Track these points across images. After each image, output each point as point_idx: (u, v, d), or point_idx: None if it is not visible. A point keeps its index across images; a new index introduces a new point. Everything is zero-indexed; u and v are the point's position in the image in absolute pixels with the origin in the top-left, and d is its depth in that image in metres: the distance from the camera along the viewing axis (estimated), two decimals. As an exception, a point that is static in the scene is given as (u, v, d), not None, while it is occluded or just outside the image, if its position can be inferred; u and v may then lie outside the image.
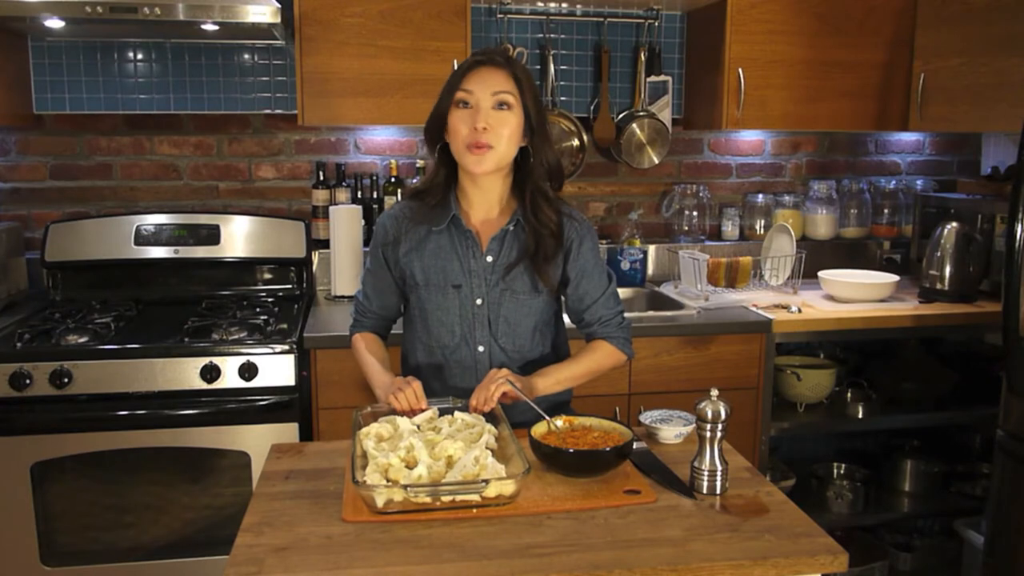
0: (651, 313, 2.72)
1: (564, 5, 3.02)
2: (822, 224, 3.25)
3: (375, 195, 3.00)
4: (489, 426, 1.56)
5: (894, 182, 3.40)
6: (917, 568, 2.99)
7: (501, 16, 2.98)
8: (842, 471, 3.12)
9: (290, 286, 2.93)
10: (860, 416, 2.86)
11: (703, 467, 1.45)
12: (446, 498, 1.35)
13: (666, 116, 3.08)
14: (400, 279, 1.84)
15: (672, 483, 1.48)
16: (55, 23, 2.45)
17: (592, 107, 3.15)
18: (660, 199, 3.30)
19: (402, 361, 1.92)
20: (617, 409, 2.50)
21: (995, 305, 2.62)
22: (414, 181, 2.97)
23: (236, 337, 2.35)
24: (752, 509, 1.40)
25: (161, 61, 2.89)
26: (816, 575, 1.26)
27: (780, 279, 2.96)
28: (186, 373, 2.29)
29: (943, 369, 2.96)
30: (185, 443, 2.30)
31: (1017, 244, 2.16)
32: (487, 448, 1.47)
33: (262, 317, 2.52)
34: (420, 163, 3.00)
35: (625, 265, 3.09)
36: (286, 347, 2.33)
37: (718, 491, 1.45)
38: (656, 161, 3.11)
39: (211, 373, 2.28)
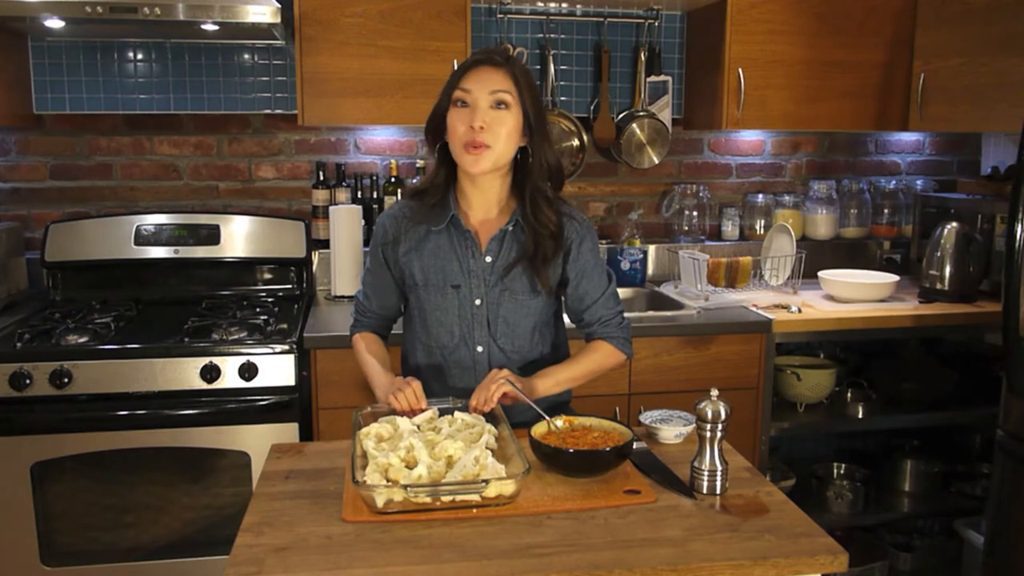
0: (651, 313, 2.72)
1: (564, 5, 3.02)
2: (822, 224, 3.25)
3: (375, 195, 3.00)
4: (489, 426, 1.56)
5: (894, 182, 3.40)
6: (917, 568, 2.99)
7: (501, 16, 2.98)
8: (842, 471, 3.12)
9: (290, 286, 2.93)
10: (860, 416, 2.86)
11: (703, 467, 1.45)
12: (446, 498, 1.35)
13: (666, 116, 3.08)
14: (400, 279, 1.84)
15: (672, 483, 1.48)
16: (55, 23, 2.45)
17: (592, 107, 3.15)
18: (660, 199, 3.30)
19: (402, 361, 1.92)
20: (617, 409, 2.50)
21: (995, 305, 2.62)
22: (414, 181, 2.97)
23: (236, 337, 2.35)
24: (752, 509, 1.40)
25: (161, 61, 2.89)
26: (816, 575, 1.26)
27: (780, 279, 2.96)
28: (186, 373, 2.29)
29: (943, 369, 2.96)
30: (185, 443, 2.30)
31: (1017, 244, 2.16)
32: (487, 448, 1.47)
33: (262, 317, 2.52)
34: (420, 163, 3.00)
35: (625, 265, 3.09)
36: (286, 347, 2.33)
37: (718, 491, 1.45)
38: (656, 161, 3.11)
39: (211, 373, 2.28)
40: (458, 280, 1.76)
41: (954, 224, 2.82)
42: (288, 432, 2.33)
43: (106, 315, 2.54)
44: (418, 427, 1.56)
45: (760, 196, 3.29)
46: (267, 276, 2.94)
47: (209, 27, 2.50)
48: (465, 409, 1.63)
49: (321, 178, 2.96)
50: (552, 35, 3.07)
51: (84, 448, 2.26)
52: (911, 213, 3.24)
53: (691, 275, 2.86)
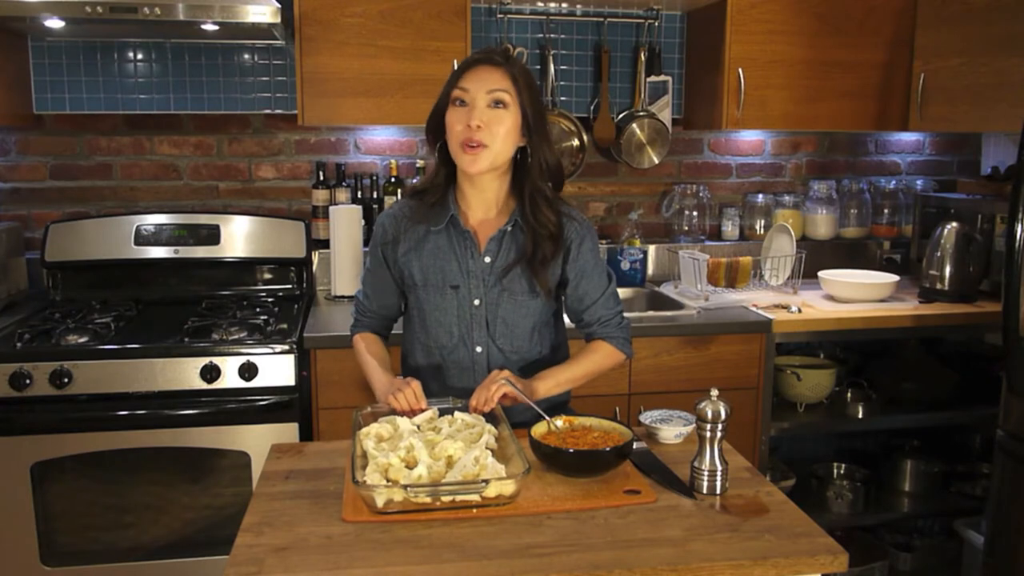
0: (651, 313, 2.72)
1: (564, 5, 3.02)
2: (822, 224, 3.25)
3: (375, 195, 3.00)
4: (489, 426, 1.56)
5: (894, 182, 3.40)
6: (917, 568, 2.99)
7: (501, 16, 2.98)
8: (842, 471, 3.12)
9: (290, 286, 2.93)
10: (860, 416, 2.86)
11: (703, 467, 1.45)
12: (446, 498, 1.35)
13: (666, 116, 3.08)
14: (399, 279, 1.83)
15: (672, 483, 1.48)
16: (55, 23, 2.45)
17: (592, 107, 3.15)
18: (660, 199, 3.30)
19: (402, 361, 1.92)
20: (617, 409, 2.50)
21: (995, 305, 2.62)
22: (414, 181, 2.97)
23: (236, 337, 2.35)
24: (752, 509, 1.40)
25: (161, 61, 2.89)
26: (816, 575, 1.26)
27: (780, 279, 2.96)
28: (186, 373, 2.29)
29: (943, 369, 2.96)
30: (185, 443, 2.30)
31: (1017, 244, 2.16)
32: (487, 448, 1.47)
33: (262, 317, 2.52)
34: (420, 163, 3.00)
35: (625, 265, 3.09)
36: (286, 347, 2.33)
37: (718, 491, 1.45)
38: (656, 161, 3.11)
39: (211, 373, 2.28)
40: (457, 280, 1.76)
41: (954, 224, 2.82)
42: (288, 432, 2.33)
43: (106, 315, 2.54)
44: (418, 427, 1.56)
45: (760, 196, 3.29)
46: (267, 276, 2.94)
47: (209, 27, 2.50)
48: (465, 409, 1.63)
49: (321, 178, 2.96)
50: (552, 35, 3.07)
51: (84, 448, 2.26)
52: (911, 213, 3.24)
53: (691, 275, 2.86)
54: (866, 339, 2.89)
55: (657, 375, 2.56)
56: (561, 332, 1.92)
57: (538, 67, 3.05)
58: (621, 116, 3.14)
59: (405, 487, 1.34)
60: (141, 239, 2.81)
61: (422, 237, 1.78)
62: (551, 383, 1.74)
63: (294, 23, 2.57)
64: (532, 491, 1.43)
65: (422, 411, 1.62)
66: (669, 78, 3.09)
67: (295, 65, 2.60)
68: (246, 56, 2.93)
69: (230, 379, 2.30)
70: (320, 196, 2.97)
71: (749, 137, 3.32)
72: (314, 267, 2.98)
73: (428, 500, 1.35)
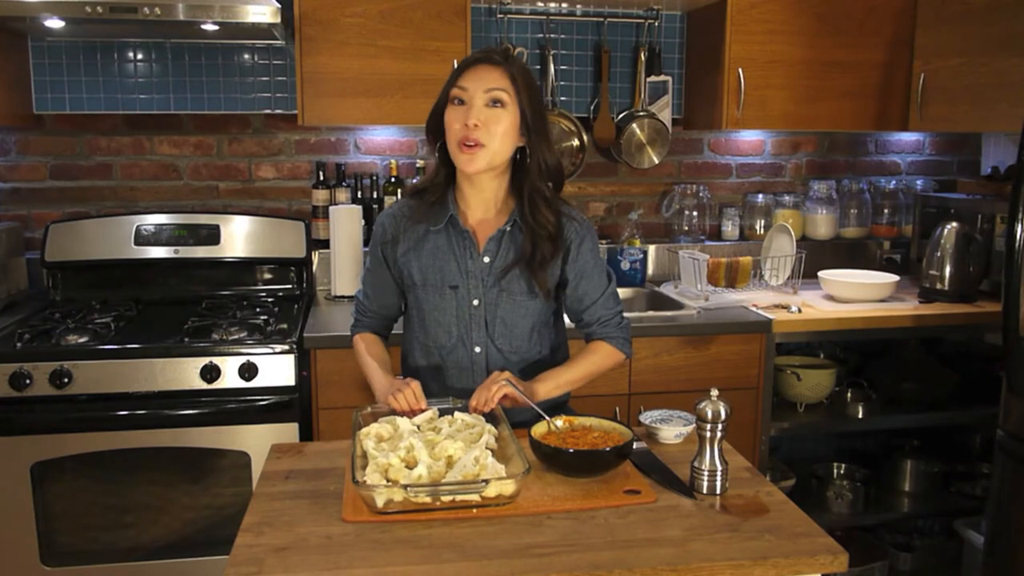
0: (651, 313, 2.72)
1: (564, 5, 3.02)
2: (822, 224, 3.25)
3: (375, 195, 3.00)
4: (489, 426, 1.56)
5: (894, 182, 3.40)
6: (917, 568, 2.99)
7: (501, 16, 2.98)
8: (842, 471, 3.12)
9: (290, 286, 2.93)
10: (860, 416, 2.86)
11: (703, 467, 1.45)
12: (446, 498, 1.35)
13: (666, 116, 3.08)
14: (399, 278, 1.83)
15: (672, 483, 1.48)
16: (55, 23, 2.45)
17: (592, 107, 3.15)
18: (660, 199, 3.30)
19: (402, 361, 1.92)
20: (617, 409, 2.50)
21: (995, 305, 2.62)
22: (414, 181, 2.97)
23: (236, 337, 2.35)
24: (752, 509, 1.40)
25: (161, 61, 2.89)
26: (816, 575, 1.26)
27: (780, 279, 2.96)
28: (186, 373, 2.29)
29: (943, 369, 2.96)
30: (185, 443, 2.30)
31: (1017, 244, 2.16)
32: (487, 448, 1.47)
33: (262, 317, 2.52)
34: (420, 163, 3.00)
35: (625, 265, 3.09)
36: (286, 347, 2.33)
37: (718, 491, 1.45)
38: (656, 161, 3.11)
39: (211, 373, 2.28)
40: (456, 280, 1.76)
41: (954, 224, 2.82)
42: (288, 432, 2.33)
43: (106, 315, 2.54)
44: (418, 427, 1.56)
45: (760, 196, 3.29)
46: (267, 276, 2.94)
47: (209, 27, 2.50)
48: (465, 410, 1.63)
49: (321, 178, 2.96)
50: (552, 35, 3.07)
51: (84, 448, 2.26)
52: (911, 213, 3.24)
53: (691, 275, 2.86)
54: (866, 339, 2.89)
55: (657, 375, 2.56)
56: (561, 332, 1.92)
57: (538, 67, 3.05)
58: (621, 116, 3.14)
59: (405, 487, 1.34)
60: (141, 239, 2.81)
61: (421, 237, 1.78)
62: (551, 385, 1.74)
63: (294, 23, 2.57)
64: (532, 491, 1.43)
65: (422, 411, 1.62)
66: (669, 78, 3.09)
67: (295, 65, 2.60)
68: (246, 56, 2.93)
69: (230, 379, 2.30)
70: (320, 196, 2.97)
71: (749, 137, 3.32)
72: (314, 267, 2.98)
73: (428, 500, 1.35)
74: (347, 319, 1.98)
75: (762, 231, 3.24)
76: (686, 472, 1.49)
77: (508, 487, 1.37)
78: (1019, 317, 2.18)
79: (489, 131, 1.64)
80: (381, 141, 3.05)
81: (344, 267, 2.79)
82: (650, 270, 3.21)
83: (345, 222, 2.75)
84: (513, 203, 1.77)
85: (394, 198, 2.96)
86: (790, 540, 1.30)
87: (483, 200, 1.77)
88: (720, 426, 1.44)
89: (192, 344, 2.31)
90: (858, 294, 2.81)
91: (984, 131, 3.28)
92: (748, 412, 2.63)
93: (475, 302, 1.76)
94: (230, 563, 1.22)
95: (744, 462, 1.60)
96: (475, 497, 1.36)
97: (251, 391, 2.32)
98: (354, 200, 2.97)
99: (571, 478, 1.48)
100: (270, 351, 2.32)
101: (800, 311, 2.68)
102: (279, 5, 2.39)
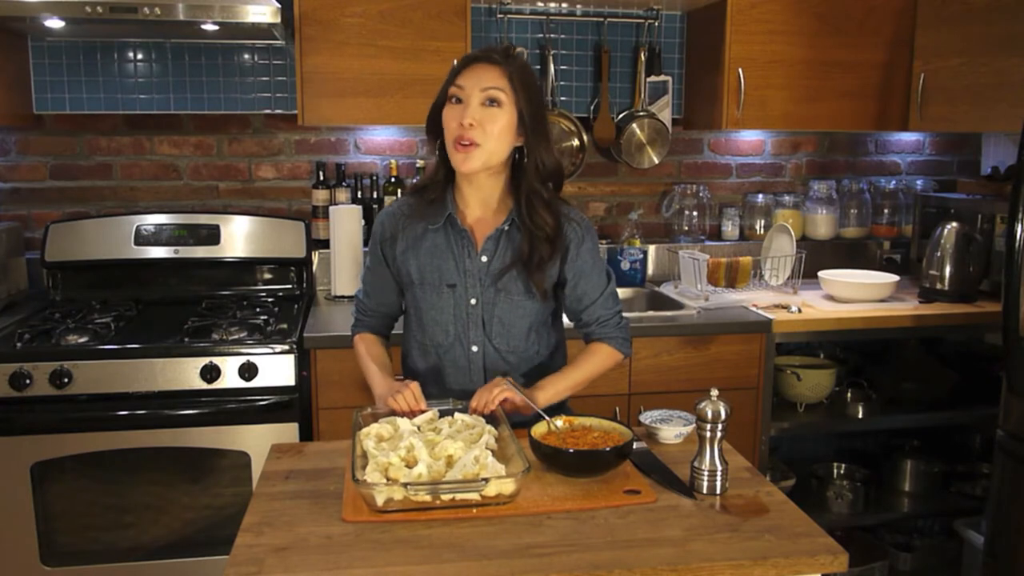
0: (651, 313, 2.72)
1: (564, 5, 3.02)
2: (822, 224, 3.25)
3: (375, 195, 3.00)
4: (489, 427, 1.56)
5: (894, 182, 3.40)
6: (917, 568, 2.99)
7: (501, 16, 2.98)
8: (842, 471, 3.12)
9: (290, 286, 2.93)
10: (860, 416, 2.86)
11: (703, 467, 1.45)
12: (446, 496, 1.35)
13: (666, 116, 3.08)
14: (397, 276, 1.83)
15: (672, 483, 1.48)
16: (55, 23, 2.45)
17: (592, 107, 3.15)
18: (660, 199, 3.30)
19: (402, 361, 1.91)
20: (617, 409, 2.49)
21: (995, 305, 2.62)
22: (414, 181, 2.97)
23: (236, 337, 2.35)
24: (752, 509, 1.40)
25: (161, 61, 2.89)
26: (816, 575, 1.26)
27: (780, 279, 2.96)
28: (186, 373, 2.29)
29: (943, 369, 2.96)
30: (185, 443, 2.30)
31: (1017, 244, 2.16)
32: (487, 448, 1.47)
33: (262, 317, 2.52)
34: (420, 163, 3.00)
35: (625, 265, 3.09)
36: (286, 347, 2.33)
37: (718, 491, 1.45)
38: (656, 161, 3.11)
39: (211, 373, 2.28)
40: (454, 279, 1.76)
41: (954, 224, 2.82)
42: (288, 432, 2.33)
43: (106, 315, 2.54)
44: (418, 428, 1.56)
45: (760, 196, 3.29)
46: (267, 276, 2.94)
47: (209, 27, 2.50)
48: (465, 411, 1.63)
49: (321, 178, 2.96)
50: (552, 35, 3.07)
51: (84, 448, 2.26)
52: (911, 213, 3.24)
53: (691, 275, 2.86)
54: (866, 339, 2.89)
55: (657, 375, 2.56)
56: (560, 332, 1.91)
57: (538, 67, 3.04)
58: (621, 116, 3.14)
59: (405, 485, 1.34)
60: (141, 239, 2.81)
61: (420, 235, 1.78)
62: (551, 392, 1.73)
63: (294, 23, 2.57)
64: (532, 491, 1.43)
65: (421, 412, 1.62)
66: (669, 78, 3.09)
67: (295, 65, 2.60)
68: (246, 56, 2.93)
69: (230, 379, 2.30)
70: (320, 196, 2.97)
71: (749, 137, 3.32)
72: (314, 267, 2.98)
73: (428, 498, 1.35)
74: (347, 319, 1.98)
75: (762, 231, 3.24)
76: (686, 472, 1.49)
77: (508, 486, 1.37)
78: (1019, 317, 2.18)
79: (485, 131, 1.64)
80: (381, 141, 3.05)
81: (344, 267, 2.79)
82: (650, 270, 3.21)
83: (345, 222, 2.75)
84: (512, 202, 1.77)
85: (394, 198, 2.96)
86: (790, 540, 1.30)
87: (481, 199, 1.76)
88: (720, 426, 1.44)
89: (192, 344, 2.31)
90: (858, 294, 2.81)
91: (984, 131, 3.28)
92: (748, 412, 2.63)
93: (472, 301, 1.76)
94: (230, 563, 1.22)
95: (744, 462, 1.60)
96: (475, 496, 1.36)
97: (251, 391, 2.32)
98: (354, 200, 2.97)
99: (571, 478, 1.48)
100: (270, 351, 2.32)
101: (800, 311, 2.68)
102: (279, 5, 2.39)
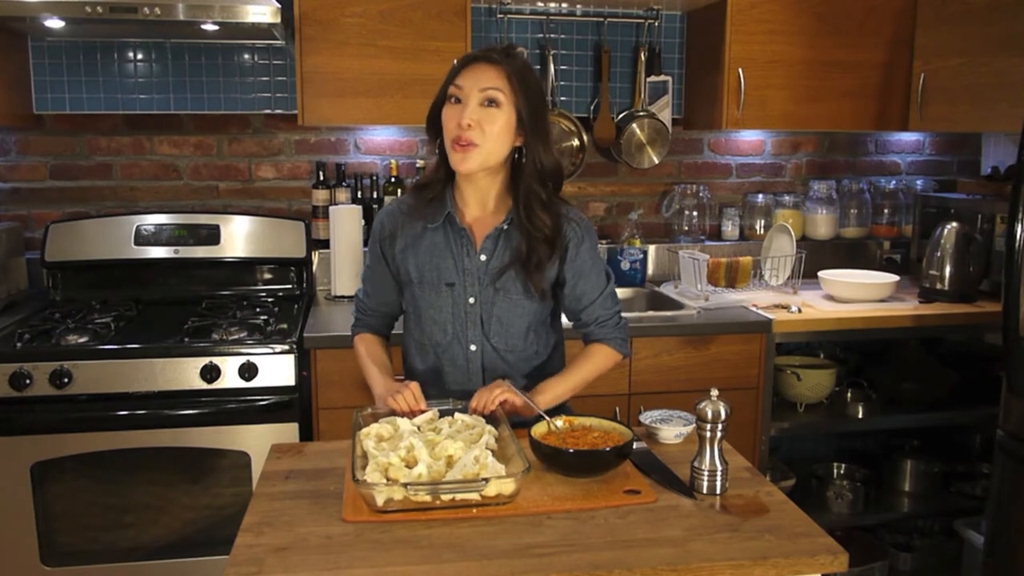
0: (651, 313, 2.72)
1: (564, 5, 3.02)
2: (822, 224, 3.25)
3: (375, 195, 3.00)
4: (489, 427, 1.56)
5: (894, 182, 3.41)
6: (917, 568, 2.99)
7: (501, 16, 2.98)
8: (842, 471, 3.12)
9: (290, 286, 2.93)
10: (860, 416, 2.86)
11: (703, 467, 1.45)
12: (446, 496, 1.35)
13: (666, 116, 3.08)
14: (396, 275, 1.83)
15: (672, 483, 1.48)
16: (55, 23, 2.45)
17: (592, 107, 3.15)
18: (660, 199, 3.30)
19: (403, 361, 1.91)
20: (617, 409, 2.50)
21: (995, 305, 2.62)
22: (414, 180, 2.97)
23: (236, 337, 2.35)
24: (752, 509, 1.40)
25: (161, 61, 2.89)
26: (816, 575, 1.26)
27: (780, 279, 2.96)
28: (186, 373, 2.29)
29: (943, 369, 2.96)
30: (185, 443, 2.30)
31: (1017, 244, 2.16)
32: (487, 448, 1.47)
33: (262, 317, 2.52)
34: (420, 163, 3.00)
35: (625, 265, 3.09)
36: (286, 347, 2.33)
37: (718, 491, 1.45)
38: (656, 161, 3.11)
39: (211, 373, 2.28)
40: (452, 278, 1.76)
41: (954, 224, 2.82)
42: (288, 432, 2.33)
43: (106, 315, 2.54)
44: (418, 428, 1.56)
45: (760, 196, 3.29)
46: (267, 276, 2.94)
47: (209, 27, 2.50)
48: (465, 411, 1.63)
49: (321, 178, 2.96)
50: (552, 35, 3.07)
51: (84, 448, 2.26)
52: (911, 213, 3.24)
53: (691, 275, 2.86)
54: (866, 339, 2.89)
55: (657, 375, 2.56)
56: (559, 332, 1.91)
57: (538, 67, 3.04)
58: (621, 116, 3.14)
59: (405, 485, 1.34)
60: (141, 239, 2.81)
61: (419, 234, 1.78)
62: (550, 396, 1.72)
63: (294, 23, 2.57)
64: (532, 491, 1.43)
65: (421, 412, 1.62)
66: (669, 78, 3.09)
67: (295, 65, 2.60)
68: (246, 56, 2.93)
69: (230, 379, 2.30)
70: (320, 196, 2.97)
71: (749, 137, 3.32)
72: (314, 267, 2.98)
73: (428, 498, 1.35)
74: (347, 319, 1.98)
75: (762, 231, 3.24)
76: (686, 472, 1.49)
77: (508, 486, 1.37)
78: (1019, 317, 2.18)
79: (483, 131, 1.63)
80: (381, 141, 3.05)
81: (344, 267, 2.79)
82: (650, 270, 3.21)
83: (345, 222, 2.75)
84: (511, 201, 1.77)
85: (394, 198, 2.96)
86: (790, 540, 1.30)
87: (480, 197, 1.76)
88: (720, 426, 1.44)
89: (192, 344, 2.31)
90: (858, 294, 2.81)
91: (984, 131, 3.28)
92: (748, 412, 2.63)
93: (471, 300, 1.76)
94: (230, 563, 1.22)
95: (744, 462, 1.60)
96: (475, 496, 1.36)
97: (251, 391, 2.32)
98: (354, 200, 2.97)
99: (571, 478, 1.48)
100: (270, 351, 2.32)
101: (800, 311, 2.68)
102: (279, 5, 2.39)
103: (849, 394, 2.90)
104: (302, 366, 2.36)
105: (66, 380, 2.23)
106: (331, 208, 2.80)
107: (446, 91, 1.68)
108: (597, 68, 3.12)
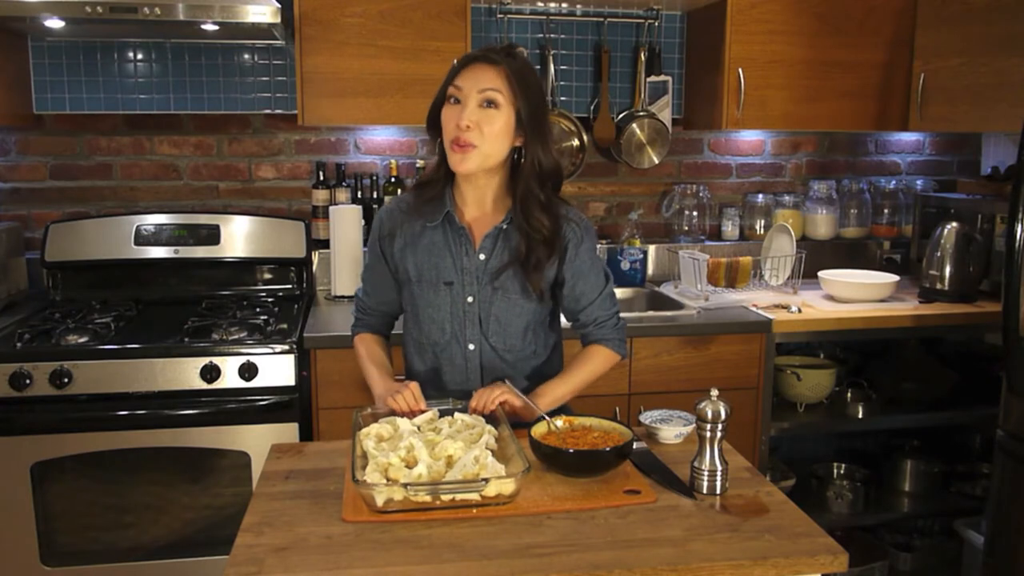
0: (651, 313, 2.72)
1: (564, 5, 3.02)
2: (822, 224, 3.25)
3: (375, 195, 3.00)
4: (489, 427, 1.56)
5: (894, 182, 3.41)
6: (917, 568, 2.99)
7: (501, 16, 2.98)
8: (842, 471, 3.12)
9: (290, 286, 2.93)
10: (860, 416, 2.86)
11: (703, 467, 1.45)
12: (446, 497, 1.35)
13: (666, 116, 3.08)
14: (395, 273, 1.83)
15: (672, 483, 1.48)
16: (55, 23, 2.45)
17: (592, 107, 3.15)
18: (660, 199, 3.30)
19: (403, 360, 1.91)
20: (617, 409, 2.50)
21: (995, 305, 2.62)
22: (414, 180, 2.97)
23: (236, 337, 2.35)
24: (752, 509, 1.40)
25: (161, 61, 2.89)
26: (816, 575, 1.26)
27: (780, 279, 2.96)
28: (186, 373, 2.29)
29: (943, 369, 2.96)
30: (185, 443, 2.30)
31: (1017, 244, 2.16)
32: (487, 448, 1.47)
33: (262, 317, 2.52)
34: (420, 163, 3.00)
35: (625, 265, 3.09)
36: (286, 347, 2.33)
37: (718, 491, 1.45)
38: (656, 161, 3.11)
39: (211, 373, 2.28)
40: (451, 277, 1.76)
41: (954, 224, 2.82)
42: (288, 432, 2.33)
43: (106, 315, 2.54)
44: (418, 428, 1.56)
45: (760, 196, 3.29)
46: (267, 276, 2.94)
47: (209, 27, 2.50)
48: (465, 411, 1.63)
49: (321, 178, 2.96)
50: (552, 35, 3.07)
51: (84, 448, 2.26)
52: (911, 213, 3.24)
53: (691, 275, 2.86)
54: (866, 339, 2.89)
55: (657, 375, 2.56)
56: (558, 332, 1.91)
57: (538, 67, 3.04)
58: (621, 116, 3.14)
59: (405, 485, 1.34)
60: (141, 239, 2.81)
61: (418, 233, 1.77)
62: (550, 399, 1.73)
63: (294, 23, 2.57)
64: (532, 491, 1.43)
65: (421, 412, 1.62)
66: (669, 78, 3.09)
67: (295, 65, 2.60)
68: (246, 56, 2.93)
69: (230, 379, 2.30)
70: (320, 196, 2.97)
71: (749, 137, 3.32)
72: (314, 267, 2.98)
73: (428, 499, 1.35)
74: (347, 319, 1.98)
75: (762, 231, 3.24)
76: (686, 472, 1.49)
77: (508, 486, 1.37)
78: (1019, 317, 2.18)
79: (482, 132, 1.63)
80: (381, 141, 3.05)
81: (344, 267, 2.79)
82: (650, 270, 3.21)
83: (345, 222, 2.76)
84: (510, 201, 1.76)
85: (394, 197, 2.96)
86: (790, 540, 1.30)
87: (479, 197, 1.76)
88: (720, 426, 1.44)
89: (192, 344, 2.31)
90: (858, 294, 2.81)
91: (984, 131, 3.28)
92: (748, 412, 2.63)
93: (469, 299, 1.76)
94: (230, 563, 1.22)
95: (744, 462, 1.60)
96: (475, 496, 1.36)
97: (251, 391, 2.32)
98: (354, 200, 2.97)
99: (571, 478, 1.48)
100: (270, 351, 2.32)
101: (800, 311, 2.68)
102: (279, 5, 2.39)
103: (849, 394, 2.90)
104: (302, 366, 2.36)
105: (66, 380, 2.23)
106: (331, 208, 2.80)
107: (446, 91, 1.68)
108: (597, 68, 3.12)
